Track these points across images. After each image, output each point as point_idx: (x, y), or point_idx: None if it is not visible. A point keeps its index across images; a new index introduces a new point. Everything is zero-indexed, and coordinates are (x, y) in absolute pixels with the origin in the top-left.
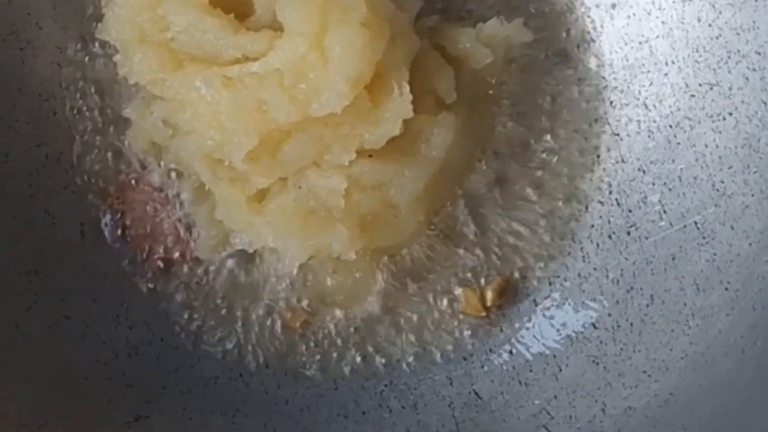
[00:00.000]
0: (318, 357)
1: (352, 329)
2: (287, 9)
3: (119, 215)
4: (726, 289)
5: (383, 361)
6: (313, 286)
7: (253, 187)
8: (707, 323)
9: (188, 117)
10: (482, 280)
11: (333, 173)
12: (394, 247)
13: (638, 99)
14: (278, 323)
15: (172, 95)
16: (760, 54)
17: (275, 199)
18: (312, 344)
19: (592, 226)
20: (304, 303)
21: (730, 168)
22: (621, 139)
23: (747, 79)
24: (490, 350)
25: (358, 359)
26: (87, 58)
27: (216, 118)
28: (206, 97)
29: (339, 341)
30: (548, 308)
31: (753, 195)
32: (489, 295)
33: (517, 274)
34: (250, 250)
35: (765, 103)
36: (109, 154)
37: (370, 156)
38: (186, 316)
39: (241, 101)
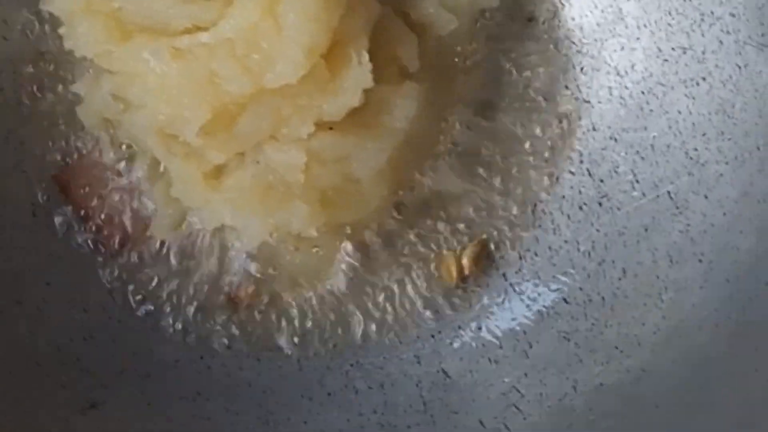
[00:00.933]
0: (281, 337)
1: (315, 308)
2: None
3: (71, 196)
4: (700, 260)
5: (348, 340)
6: (274, 264)
7: (209, 162)
8: (681, 296)
9: (138, 91)
10: (448, 253)
11: (291, 147)
12: (358, 223)
13: (609, 65)
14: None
15: (120, 68)
16: (734, 16)
17: (232, 175)
18: (275, 324)
19: (563, 197)
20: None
21: (703, 135)
22: (592, 107)
23: (721, 42)
24: (459, 327)
25: (323, 339)
26: (34, 31)
27: (166, 91)
28: (155, 69)
29: (303, 321)
30: (518, 283)
31: (727, 163)
32: (465, 262)
33: (486, 248)
34: (209, 229)
35: (739, 67)
36: (60, 132)
37: (330, 128)
38: (144, 297)
39: (192, 73)
